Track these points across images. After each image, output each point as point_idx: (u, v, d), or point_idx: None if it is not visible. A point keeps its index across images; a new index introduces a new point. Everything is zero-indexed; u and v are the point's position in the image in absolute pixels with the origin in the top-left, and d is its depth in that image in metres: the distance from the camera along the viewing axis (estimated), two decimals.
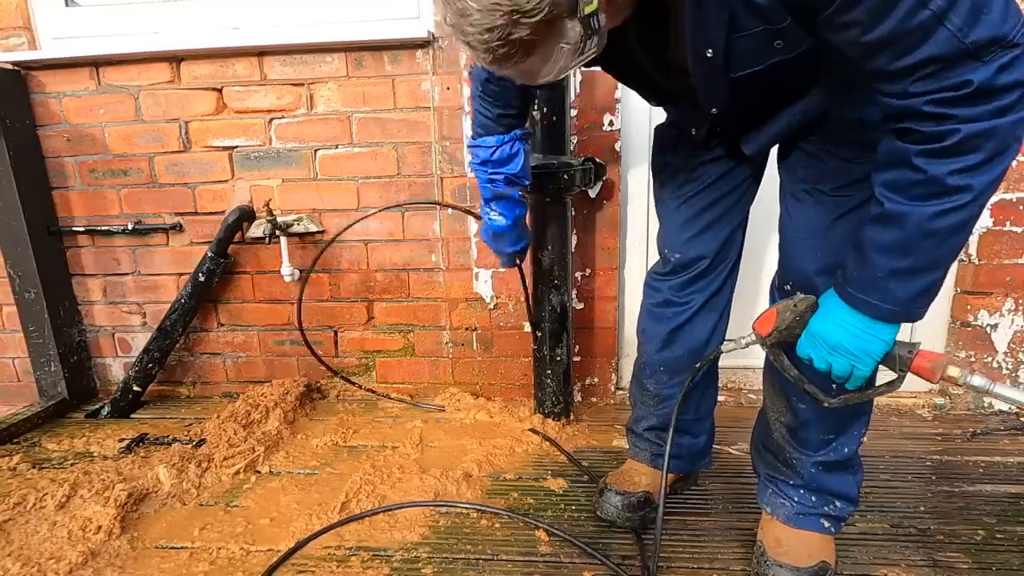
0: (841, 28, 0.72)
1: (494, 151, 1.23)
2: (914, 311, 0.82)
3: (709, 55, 0.82)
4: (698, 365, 1.12)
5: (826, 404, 0.96)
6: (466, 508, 1.39)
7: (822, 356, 0.89)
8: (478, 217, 1.77)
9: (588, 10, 0.68)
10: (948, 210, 0.73)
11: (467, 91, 1.78)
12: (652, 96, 1.13)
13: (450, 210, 1.86)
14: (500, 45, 0.68)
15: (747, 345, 1.02)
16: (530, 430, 1.73)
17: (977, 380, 0.85)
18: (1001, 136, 0.69)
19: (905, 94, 0.71)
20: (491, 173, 1.26)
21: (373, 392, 2.02)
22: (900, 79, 0.71)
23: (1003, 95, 0.67)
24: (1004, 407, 1.81)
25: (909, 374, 0.88)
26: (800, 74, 0.86)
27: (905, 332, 1.10)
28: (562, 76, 0.77)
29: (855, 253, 0.83)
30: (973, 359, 1.79)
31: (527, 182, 1.29)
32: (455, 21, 0.69)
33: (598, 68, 1.12)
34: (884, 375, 0.89)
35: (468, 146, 1.29)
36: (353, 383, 2.02)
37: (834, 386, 0.96)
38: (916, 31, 0.67)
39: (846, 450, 1.11)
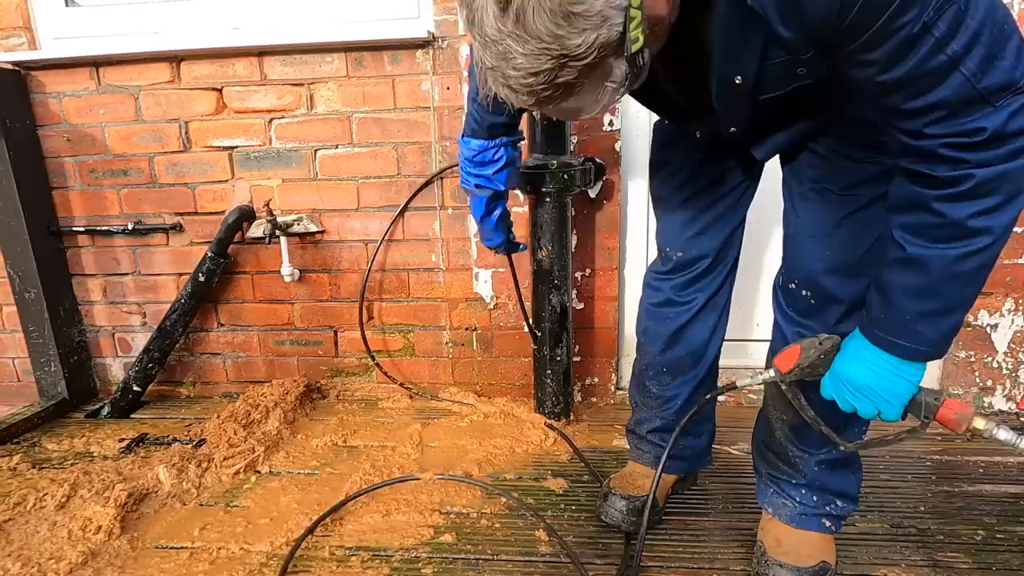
0: (860, 65, 0.72)
1: (476, 153, 1.25)
2: (942, 348, 0.83)
3: (738, 81, 0.82)
4: (708, 396, 1.10)
5: (843, 448, 0.95)
6: (474, 485, 1.40)
7: (846, 398, 0.89)
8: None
9: (635, 48, 0.66)
10: (972, 252, 0.74)
11: (467, 91, 1.78)
12: (674, 116, 1.12)
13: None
14: (544, 88, 0.66)
15: (763, 382, 0.98)
16: (546, 425, 1.74)
17: (1003, 434, 0.84)
18: (1015, 179, 0.70)
19: (920, 135, 0.72)
20: (467, 172, 1.29)
21: (436, 398, 2.02)
22: (914, 118, 0.72)
23: (1014, 139, 0.69)
24: (1004, 407, 1.81)
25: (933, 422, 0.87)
26: (820, 93, 0.87)
27: None
28: (601, 113, 0.77)
29: (878, 296, 0.84)
30: (973, 359, 1.79)
31: (500, 187, 1.29)
32: (495, 64, 0.65)
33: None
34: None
35: (458, 140, 1.31)
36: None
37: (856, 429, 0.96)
38: (931, 74, 0.67)
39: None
